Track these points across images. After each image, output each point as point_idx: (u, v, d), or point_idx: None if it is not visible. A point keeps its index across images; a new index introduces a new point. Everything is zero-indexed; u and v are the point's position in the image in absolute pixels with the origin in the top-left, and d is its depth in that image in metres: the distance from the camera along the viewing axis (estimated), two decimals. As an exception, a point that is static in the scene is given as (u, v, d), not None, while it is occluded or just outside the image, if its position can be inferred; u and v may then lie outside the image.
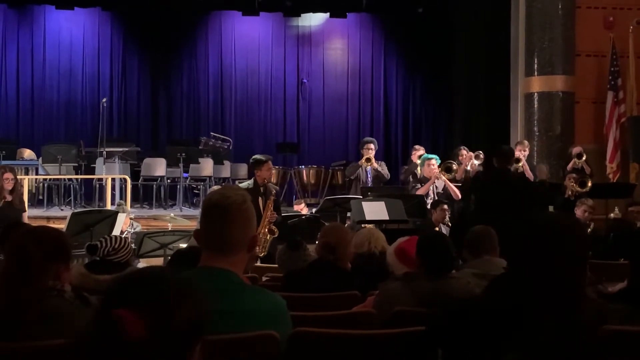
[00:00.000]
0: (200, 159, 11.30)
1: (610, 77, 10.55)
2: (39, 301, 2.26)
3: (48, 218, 9.83)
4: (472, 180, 7.88)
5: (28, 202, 9.36)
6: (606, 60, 10.68)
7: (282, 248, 4.72)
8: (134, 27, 13.98)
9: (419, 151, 9.74)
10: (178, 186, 11.24)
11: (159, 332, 1.10)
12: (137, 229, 7.98)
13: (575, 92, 10.64)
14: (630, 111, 10.51)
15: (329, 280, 3.61)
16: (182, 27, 13.99)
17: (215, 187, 8.40)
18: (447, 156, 9.50)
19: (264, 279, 4.59)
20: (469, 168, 9.29)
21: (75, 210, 8.67)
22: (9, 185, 7.17)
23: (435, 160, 8.66)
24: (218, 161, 11.69)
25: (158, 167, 11.40)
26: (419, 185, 8.76)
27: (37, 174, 11.17)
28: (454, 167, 8.68)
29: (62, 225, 6.54)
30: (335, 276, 3.68)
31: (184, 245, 5.69)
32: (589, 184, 8.68)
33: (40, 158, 11.04)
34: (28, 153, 11.56)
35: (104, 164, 11.04)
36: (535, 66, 10.58)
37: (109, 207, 9.53)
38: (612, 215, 9.41)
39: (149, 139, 13.90)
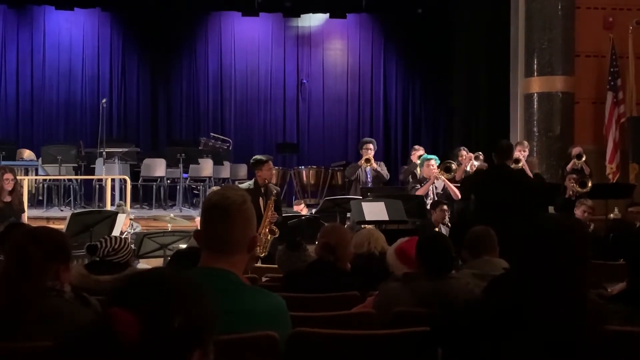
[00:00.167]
0: (200, 160, 11.30)
1: (609, 78, 10.55)
2: (39, 301, 2.26)
3: (48, 219, 9.82)
4: (472, 176, 7.88)
5: (28, 202, 9.36)
6: (606, 61, 10.67)
7: (281, 248, 4.73)
8: (134, 27, 13.98)
9: (418, 151, 9.73)
10: (178, 187, 11.23)
11: (154, 334, 1.09)
12: (137, 230, 7.98)
13: (575, 93, 10.64)
14: (630, 112, 10.51)
15: (329, 280, 3.61)
16: (182, 28, 13.99)
17: (215, 188, 8.41)
18: (447, 157, 9.50)
19: (263, 279, 4.60)
20: (468, 169, 9.29)
21: (75, 211, 8.67)
22: (9, 186, 7.17)
23: (434, 161, 8.66)
24: (218, 162, 11.69)
25: (158, 167, 11.39)
26: (418, 186, 8.76)
27: (36, 174, 11.17)
28: (453, 167, 8.68)
29: (61, 226, 6.55)
30: (335, 276, 3.68)
31: (184, 246, 5.69)
32: (589, 185, 8.68)
33: (40, 159, 11.04)
34: (28, 154, 11.56)
35: (104, 164, 11.03)
36: (535, 66, 10.57)
37: (108, 207, 9.53)
38: (611, 215, 9.41)
39: (149, 139, 13.90)
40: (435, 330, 2.22)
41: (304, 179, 11.78)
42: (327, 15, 14.11)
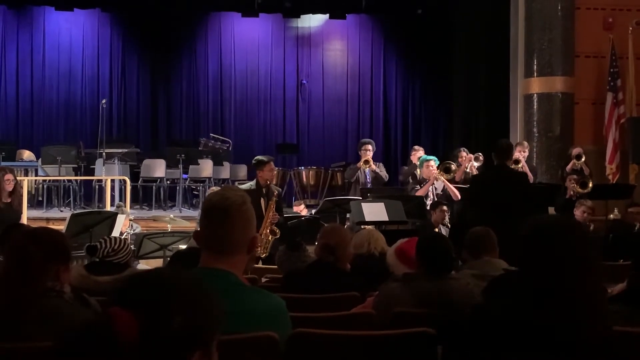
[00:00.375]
0: (199, 160, 11.30)
1: (609, 78, 10.55)
2: (39, 302, 2.26)
3: (47, 219, 9.83)
4: (471, 181, 7.87)
5: (27, 203, 9.35)
6: (605, 61, 10.67)
7: (281, 249, 4.73)
8: (134, 28, 13.98)
9: (418, 152, 9.73)
10: (177, 187, 11.23)
11: (153, 334, 1.08)
12: (137, 230, 7.98)
13: (575, 93, 10.64)
14: (630, 112, 10.51)
15: (329, 281, 3.61)
16: (182, 29, 14.00)
17: (214, 189, 8.41)
18: (447, 157, 9.50)
19: (263, 279, 4.60)
20: (468, 170, 9.30)
21: (75, 212, 8.67)
22: (9, 187, 7.16)
23: (434, 162, 8.66)
24: (217, 162, 11.69)
25: (157, 168, 11.39)
26: (418, 187, 8.75)
27: (36, 175, 11.16)
28: (453, 167, 8.67)
29: (61, 227, 6.55)
30: (335, 277, 3.68)
31: (184, 247, 5.70)
32: (590, 185, 8.68)
33: (40, 159, 11.03)
34: (27, 154, 11.56)
35: (104, 165, 11.03)
36: (535, 67, 10.58)
37: (108, 208, 9.52)
38: (611, 216, 9.42)
39: (149, 140, 13.90)
40: (442, 335, 2.22)
41: (304, 179, 11.78)
42: (327, 15, 14.11)
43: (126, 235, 7.40)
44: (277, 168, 11.29)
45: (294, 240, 4.73)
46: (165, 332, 1.10)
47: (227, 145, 12.79)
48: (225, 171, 11.85)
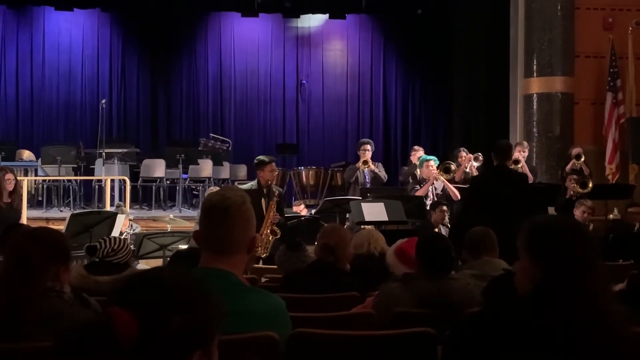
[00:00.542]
0: (199, 160, 11.30)
1: (609, 78, 10.56)
2: (39, 302, 2.26)
3: (47, 219, 9.82)
4: (471, 181, 7.87)
5: (27, 203, 9.35)
6: (605, 62, 10.68)
7: (281, 249, 4.72)
8: (134, 28, 13.97)
9: (418, 152, 9.73)
10: (177, 187, 11.23)
11: (153, 334, 1.08)
12: (137, 230, 7.98)
13: (575, 93, 10.64)
14: (630, 112, 10.51)
15: (329, 281, 3.61)
16: (182, 29, 13.99)
17: (213, 189, 8.40)
18: (447, 157, 9.49)
19: (263, 279, 4.59)
20: (467, 170, 9.29)
21: (75, 212, 8.67)
22: (10, 187, 7.16)
23: (433, 162, 8.65)
24: (217, 162, 11.69)
25: (157, 168, 11.39)
26: (418, 187, 8.75)
27: (36, 175, 11.16)
28: (453, 167, 8.67)
29: (61, 227, 6.55)
30: (335, 277, 3.68)
31: (184, 247, 5.69)
32: (590, 185, 8.68)
33: (40, 159, 11.03)
34: (27, 154, 11.56)
35: (103, 165, 11.03)
36: (535, 67, 10.58)
37: (108, 208, 9.52)
38: (611, 216, 9.42)
39: (149, 140, 13.89)
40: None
41: (304, 179, 11.77)
42: (327, 15, 14.11)
43: (126, 235, 7.40)
44: (277, 168, 11.32)
45: (293, 240, 4.72)
46: (165, 332, 1.10)
47: (227, 145, 12.79)
48: (225, 171, 11.85)
